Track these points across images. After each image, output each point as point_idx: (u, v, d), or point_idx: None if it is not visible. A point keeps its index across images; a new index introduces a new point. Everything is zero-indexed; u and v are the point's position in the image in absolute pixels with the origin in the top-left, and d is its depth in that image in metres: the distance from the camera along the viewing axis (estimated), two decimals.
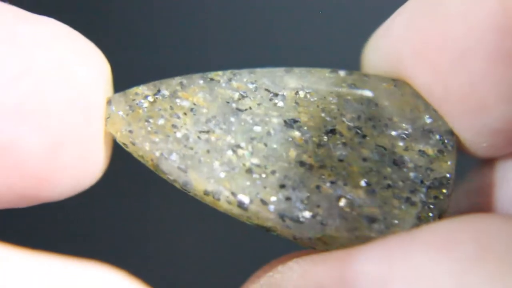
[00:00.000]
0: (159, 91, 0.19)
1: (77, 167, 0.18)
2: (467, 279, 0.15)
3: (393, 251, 0.16)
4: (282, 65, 0.20)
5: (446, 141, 0.18)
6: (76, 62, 0.18)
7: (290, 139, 0.18)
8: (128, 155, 0.19)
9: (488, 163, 0.21)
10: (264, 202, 0.18)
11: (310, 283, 0.17)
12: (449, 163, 0.18)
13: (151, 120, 0.18)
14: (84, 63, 0.18)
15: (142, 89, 0.19)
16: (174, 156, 0.18)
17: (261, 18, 0.35)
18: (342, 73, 0.19)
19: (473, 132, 0.19)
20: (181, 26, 0.35)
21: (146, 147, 0.18)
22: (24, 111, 0.16)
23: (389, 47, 0.19)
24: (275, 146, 0.18)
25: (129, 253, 0.33)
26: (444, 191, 0.18)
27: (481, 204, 0.20)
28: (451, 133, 0.19)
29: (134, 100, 0.19)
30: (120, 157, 0.20)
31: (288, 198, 0.18)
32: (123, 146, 0.19)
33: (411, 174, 0.18)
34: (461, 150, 0.20)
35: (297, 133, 0.18)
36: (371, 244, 0.17)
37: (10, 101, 0.16)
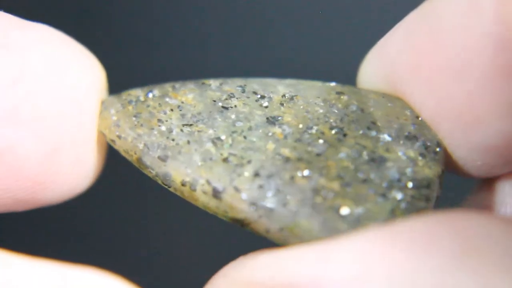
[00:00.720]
0: (151, 91, 0.20)
1: (72, 170, 0.18)
2: (449, 276, 0.14)
3: (372, 248, 0.15)
4: (278, 71, 0.20)
5: (430, 147, 0.18)
6: (69, 67, 0.18)
7: (270, 133, 0.18)
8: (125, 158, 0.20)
9: (487, 184, 0.20)
10: (237, 190, 0.18)
11: (280, 280, 0.17)
12: (430, 168, 0.18)
13: (139, 115, 0.19)
14: (78, 68, 0.18)
15: (135, 91, 0.20)
16: (155, 147, 0.19)
17: (259, 23, 0.35)
18: (333, 84, 0.20)
19: (467, 149, 0.18)
20: (179, 29, 0.36)
21: (130, 139, 0.19)
22: (19, 116, 0.17)
23: (385, 63, 0.19)
24: (254, 139, 0.18)
25: (126, 255, 0.33)
26: (424, 193, 0.18)
27: None
28: (437, 143, 0.18)
29: (125, 99, 0.20)
30: (117, 161, 0.20)
31: (260, 186, 0.17)
32: (111, 143, 0.19)
33: (390, 172, 0.17)
34: (455, 171, 0.20)
35: (278, 129, 0.18)
36: (350, 237, 0.16)
37: (5, 106, 0.16)
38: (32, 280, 0.17)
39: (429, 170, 0.18)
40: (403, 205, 0.17)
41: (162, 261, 0.34)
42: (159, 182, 0.19)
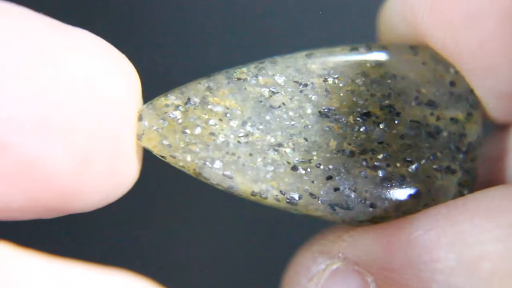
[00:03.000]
0: (189, 99, 0.19)
1: (106, 181, 0.18)
2: (510, 244, 0.16)
3: (439, 220, 0.17)
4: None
5: (471, 102, 0.19)
6: (107, 76, 0.17)
7: (328, 129, 0.18)
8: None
9: (502, 128, 0.21)
10: (313, 196, 0.18)
11: (359, 251, 0.18)
12: (477, 124, 0.19)
13: (187, 131, 0.18)
14: (115, 77, 0.17)
15: (170, 99, 0.19)
16: (217, 164, 0.18)
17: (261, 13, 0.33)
18: (362, 49, 0.19)
19: (481, 93, 0.19)
20: (182, 23, 0.33)
21: (188, 158, 0.18)
22: (51, 125, 0.16)
23: (406, 4, 0.19)
24: (314, 138, 0.18)
25: (133, 257, 0.33)
26: (478, 152, 0.19)
27: (494, 171, 0.21)
28: (472, 92, 0.19)
29: (165, 112, 0.18)
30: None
31: (336, 189, 0.18)
32: (161, 158, 0.19)
33: (447, 143, 0.19)
34: None
35: (333, 123, 0.18)
36: (418, 214, 0.18)
37: (37, 115, 0.16)
38: (57, 284, 0.18)
39: (476, 126, 0.19)
40: (466, 173, 0.19)
41: (170, 263, 0.35)
42: (221, 189, 0.19)
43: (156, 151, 0.19)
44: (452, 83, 0.19)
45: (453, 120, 0.19)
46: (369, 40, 0.21)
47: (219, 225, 0.33)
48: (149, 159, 0.20)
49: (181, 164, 0.19)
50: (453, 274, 0.17)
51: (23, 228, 0.21)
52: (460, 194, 0.19)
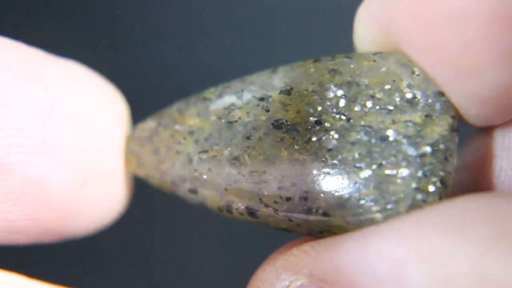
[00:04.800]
0: (160, 122, 0.20)
1: (100, 203, 0.19)
2: (484, 261, 0.15)
3: (408, 234, 0.16)
4: (289, 57, 0.20)
5: (432, 103, 0.18)
6: (95, 102, 0.19)
7: (280, 139, 0.19)
8: None
9: (485, 132, 0.19)
10: (269, 207, 0.18)
11: (324, 267, 0.18)
12: (440, 125, 0.18)
13: (158, 151, 0.20)
14: (103, 103, 0.19)
15: (147, 124, 0.20)
16: (183, 181, 0.19)
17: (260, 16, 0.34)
18: (324, 60, 0.19)
19: (462, 98, 0.18)
20: (180, 28, 0.35)
21: (158, 177, 0.20)
22: (52, 147, 0.17)
23: (381, 7, 0.19)
24: (267, 150, 0.19)
25: (132, 263, 0.34)
26: (439, 155, 0.18)
27: (479, 176, 0.19)
28: (440, 94, 0.18)
29: (141, 136, 0.20)
30: None
31: (288, 199, 0.18)
32: (146, 180, 0.21)
33: (402, 147, 0.18)
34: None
35: (285, 133, 0.19)
36: (384, 225, 0.17)
37: (39, 137, 0.17)
38: None
39: (439, 128, 0.18)
40: (424, 176, 0.18)
41: (170, 267, 0.36)
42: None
43: (137, 173, 0.20)
44: (411, 86, 0.18)
45: (409, 122, 0.18)
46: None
47: (219, 225, 0.33)
48: None
49: (156, 183, 0.20)
50: None
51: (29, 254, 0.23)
52: (422, 200, 0.18)
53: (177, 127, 0.20)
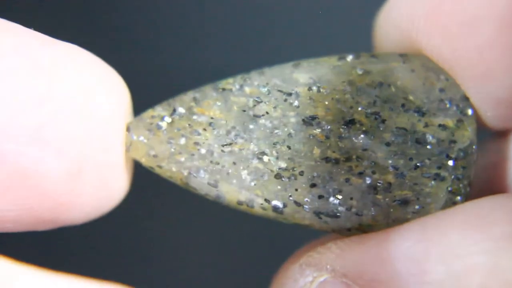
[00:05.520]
0: (174, 110, 0.19)
1: (97, 192, 0.18)
2: (501, 256, 0.16)
3: (428, 231, 0.17)
4: (289, 58, 0.20)
5: (462, 108, 0.19)
6: (96, 88, 0.18)
7: (312, 137, 0.18)
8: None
9: (502, 135, 0.20)
10: (298, 204, 0.18)
11: (347, 263, 0.18)
12: (469, 129, 0.18)
13: (172, 141, 0.19)
14: (105, 90, 0.18)
15: (157, 111, 0.19)
16: (202, 173, 0.18)
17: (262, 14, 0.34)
18: (350, 58, 0.19)
19: (478, 101, 0.19)
20: (182, 26, 0.34)
21: (173, 168, 0.19)
22: (44, 135, 0.16)
23: (401, 12, 0.19)
24: (298, 146, 0.18)
25: (132, 259, 0.34)
26: (470, 159, 0.18)
27: (494, 178, 0.20)
28: (466, 98, 0.19)
29: (152, 123, 0.19)
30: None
31: (320, 196, 0.18)
32: (150, 169, 0.19)
33: (436, 150, 0.18)
34: None
35: (317, 130, 0.18)
36: (407, 225, 0.17)
37: (31, 125, 0.16)
38: None
39: (468, 133, 0.18)
40: (456, 179, 0.18)
41: (170, 264, 0.35)
42: (210, 199, 0.19)
43: (144, 162, 0.19)
44: (442, 90, 0.19)
45: (442, 126, 0.18)
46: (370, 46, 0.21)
47: (219, 225, 0.32)
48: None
49: (168, 174, 0.19)
50: (442, 287, 0.16)
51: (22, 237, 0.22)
52: (452, 202, 0.18)
53: (195, 117, 0.19)
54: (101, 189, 0.18)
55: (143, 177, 0.20)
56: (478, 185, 0.20)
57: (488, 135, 0.21)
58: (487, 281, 0.16)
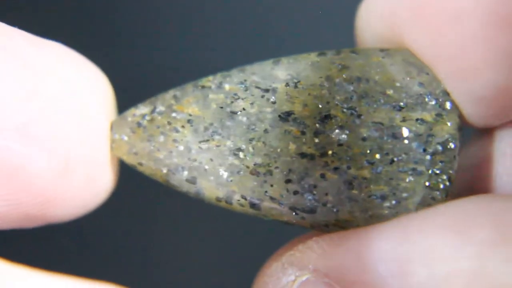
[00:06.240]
0: (155, 108, 0.19)
1: (84, 188, 0.18)
2: (485, 262, 0.15)
3: (411, 232, 0.16)
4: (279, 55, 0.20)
5: (442, 102, 0.18)
6: (81, 86, 0.18)
7: (287, 132, 0.18)
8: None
9: (485, 133, 0.20)
10: (274, 200, 0.18)
11: (329, 262, 0.18)
12: (449, 124, 0.18)
13: (152, 139, 0.19)
14: (90, 88, 0.19)
15: (139, 109, 0.19)
16: (180, 170, 0.19)
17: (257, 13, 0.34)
18: (329, 54, 0.19)
19: (458, 97, 0.18)
20: (171, 24, 0.35)
21: (153, 165, 0.19)
22: (33, 132, 0.17)
23: (384, 4, 0.19)
24: (274, 142, 0.18)
25: (131, 258, 0.34)
26: (449, 153, 0.18)
27: (476, 177, 0.20)
28: (446, 93, 0.18)
29: (133, 122, 0.19)
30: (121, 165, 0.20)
31: (296, 192, 0.18)
32: (132, 167, 0.19)
33: (413, 145, 0.18)
34: None
35: (293, 126, 0.18)
36: (388, 224, 0.17)
37: (19, 122, 0.16)
38: None
39: (447, 127, 0.18)
40: (434, 174, 0.18)
41: (169, 263, 0.35)
42: (191, 196, 0.19)
43: (126, 159, 0.19)
44: (422, 84, 0.18)
45: (420, 121, 0.18)
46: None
47: (218, 225, 0.33)
48: None
49: (148, 171, 0.19)
50: None
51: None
52: (431, 197, 0.18)
53: (174, 114, 0.19)
54: (87, 186, 0.19)
55: (142, 176, 0.20)
56: (462, 184, 0.20)
57: (471, 135, 0.20)
58: (470, 285, 0.16)
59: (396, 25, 0.19)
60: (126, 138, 0.19)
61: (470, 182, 0.20)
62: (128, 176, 0.20)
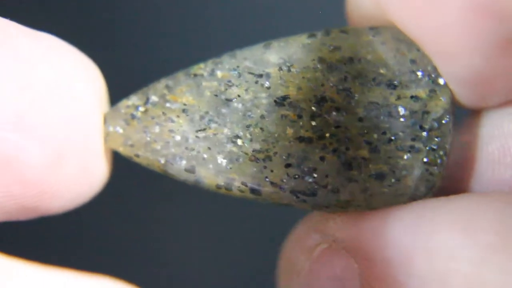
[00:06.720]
0: (148, 99, 0.19)
1: (78, 179, 0.18)
2: (484, 266, 0.16)
3: (421, 225, 0.17)
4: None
5: (434, 78, 0.18)
6: (74, 77, 0.18)
7: (284, 117, 0.18)
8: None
9: (475, 115, 0.20)
10: (274, 185, 0.18)
11: (348, 236, 0.19)
12: (442, 99, 0.18)
13: (147, 130, 0.19)
14: (82, 78, 0.18)
15: (132, 100, 0.19)
16: (178, 160, 0.19)
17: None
18: (319, 35, 0.19)
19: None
20: (167, 21, 0.34)
21: (150, 156, 0.19)
22: (26, 122, 0.17)
23: None
24: (271, 128, 0.18)
25: (128, 256, 0.34)
26: (444, 129, 0.18)
27: (466, 159, 0.20)
28: (436, 70, 0.19)
29: (127, 113, 0.19)
30: (119, 158, 0.20)
31: (296, 176, 0.18)
32: (129, 159, 0.19)
33: (409, 122, 0.18)
34: None
35: (289, 110, 0.18)
36: (404, 210, 0.18)
37: (13, 112, 0.16)
38: None
39: (441, 102, 0.18)
40: (431, 150, 0.18)
41: (167, 262, 0.35)
42: (190, 184, 0.19)
43: (122, 151, 0.19)
44: (413, 61, 0.18)
45: (414, 98, 0.18)
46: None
47: (218, 225, 0.33)
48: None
49: (145, 162, 0.19)
50: (425, 282, 0.17)
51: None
52: (429, 173, 0.18)
53: (168, 104, 0.19)
54: (81, 177, 0.19)
55: (141, 175, 0.20)
56: (453, 165, 0.20)
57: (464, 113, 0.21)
58: (469, 284, 0.16)
59: (384, 5, 0.19)
60: (121, 130, 0.19)
61: (460, 162, 0.20)
62: (127, 172, 0.20)
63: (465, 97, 0.19)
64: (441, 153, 0.18)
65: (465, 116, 0.20)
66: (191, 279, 0.35)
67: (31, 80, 0.17)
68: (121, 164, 0.20)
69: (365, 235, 0.18)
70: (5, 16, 0.17)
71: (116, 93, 0.20)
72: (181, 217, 0.35)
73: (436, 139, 0.18)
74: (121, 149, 0.19)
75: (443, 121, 0.18)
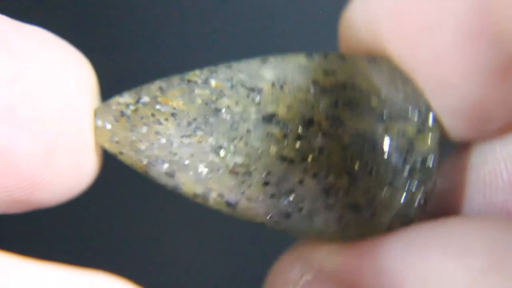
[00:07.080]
0: (139, 98, 0.19)
1: (70, 172, 0.18)
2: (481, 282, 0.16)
3: (412, 252, 0.17)
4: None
5: (425, 116, 0.18)
6: (65, 71, 0.18)
7: (270, 135, 0.18)
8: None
9: (462, 148, 0.20)
10: (250, 201, 0.18)
11: (333, 265, 0.18)
12: (430, 139, 0.18)
13: (135, 129, 0.19)
14: (72, 72, 0.18)
15: (124, 98, 0.19)
16: (160, 162, 0.19)
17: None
18: (317, 56, 0.19)
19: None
20: (165, 25, 0.35)
21: (133, 156, 0.19)
22: (16, 115, 0.17)
23: (366, 13, 0.19)
24: (255, 143, 0.18)
25: (126, 256, 0.34)
26: (428, 169, 0.18)
27: (454, 192, 0.20)
28: (429, 106, 0.18)
29: (117, 110, 0.19)
30: (115, 160, 0.21)
31: (272, 195, 0.18)
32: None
33: (393, 158, 0.18)
34: None
35: (275, 128, 0.18)
36: (392, 238, 0.18)
37: (3, 104, 0.16)
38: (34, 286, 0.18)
39: (428, 142, 0.18)
40: (411, 189, 0.18)
41: (164, 261, 0.35)
42: (169, 189, 0.19)
43: (107, 147, 0.19)
44: (406, 96, 0.18)
45: (402, 133, 0.18)
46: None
47: (218, 224, 0.33)
48: None
49: (128, 161, 0.19)
50: None
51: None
52: (405, 214, 0.18)
53: (158, 106, 0.19)
54: (73, 170, 0.19)
55: (141, 174, 0.20)
56: (444, 189, 0.20)
57: (451, 147, 0.20)
58: None
59: (378, 34, 0.19)
60: (109, 126, 0.19)
61: (447, 194, 0.20)
62: (126, 171, 0.20)
63: (458, 129, 0.19)
64: (419, 196, 0.18)
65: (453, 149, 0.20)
66: (191, 279, 0.35)
67: (21, 72, 0.17)
68: (120, 163, 0.21)
69: (353, 263, 0.18)
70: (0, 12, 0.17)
71: (116, 93, 0.20)
72: (181, 217, 0.35)
73: (417, 180, 0.18)
74: (107, 145, 0.19)
75: (427, 162, 0.18)
